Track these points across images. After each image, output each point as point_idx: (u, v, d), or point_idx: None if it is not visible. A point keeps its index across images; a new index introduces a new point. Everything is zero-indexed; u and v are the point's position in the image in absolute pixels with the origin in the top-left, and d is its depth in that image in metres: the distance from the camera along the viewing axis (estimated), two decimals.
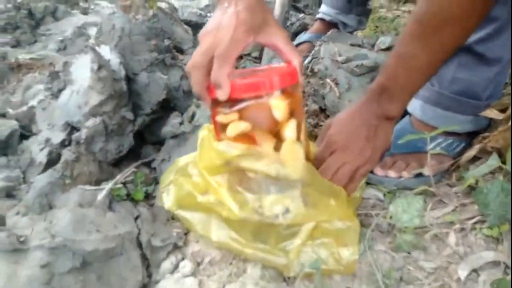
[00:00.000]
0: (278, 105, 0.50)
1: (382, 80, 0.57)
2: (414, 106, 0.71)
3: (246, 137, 0.50)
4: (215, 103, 0.51)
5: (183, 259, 0.63)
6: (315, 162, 0.60)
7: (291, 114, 0.51)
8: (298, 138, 0.53)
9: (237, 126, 0.50)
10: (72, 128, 0.77)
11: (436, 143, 0.68)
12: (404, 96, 0.58)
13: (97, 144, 0.71)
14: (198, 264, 0.62)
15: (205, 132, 0.61)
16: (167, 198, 0.61)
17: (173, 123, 0.78)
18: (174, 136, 0.78)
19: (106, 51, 0.75)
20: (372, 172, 0.71)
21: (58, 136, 0.75)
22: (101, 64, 0.68)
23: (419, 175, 0.67)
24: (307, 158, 0.57)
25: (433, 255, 0.58)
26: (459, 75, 0.66)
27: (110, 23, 0.76)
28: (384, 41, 0.94)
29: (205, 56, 0.50)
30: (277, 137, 0.52)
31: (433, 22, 0.50)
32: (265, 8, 0.53)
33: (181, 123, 0.79)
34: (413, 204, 0.57)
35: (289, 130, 0.52)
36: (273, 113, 0.50)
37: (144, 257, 0.61)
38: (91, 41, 1.32)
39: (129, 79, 0.78)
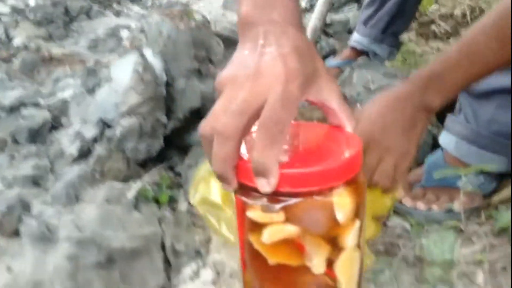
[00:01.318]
0: (343, 203, 0.34)
1: (437, 67, 0.53)
2: (448, 141, 0.71)
3: (289, 244, 0.35)
4: (243, 188, 0.35)
5: (204, 266, 0.62)
6: None
7: (356, 213, 0.36)
8: (358, 245, 0.38)
9: (281, 231, 0.34)
10: (104, 125, 0.78)
11: (468, 180, 0.67)
12: (455, 89, 0.54)
13: (130, 143, 0.72)
14: (219, 273, 0.61)
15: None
16: (194, 195, 0.61)
17: None
18: None
19: (149, 54, 0.76)
20: (400, 202, 0.70)
21: (90, 131, 0.76)
22: (146, 67, 0.69)
23: (449, 210, 0.66)
24: None
25: None
26: (497, 116, 0.66)
27: (157, 28, 0.78)
28: None
29: (240, 119, 0.32)
30: (332, 243, 0.36)
31: None
32: (313, 50, 0.38)
33: None
34: (446, 238, 0.56)
35: (352, 236, 0.36)
36: (334, 213, 0.35)
37: (166, 261, 0.60)
38: (126, 42, 1.35)
39: (167, 84, 0.79)
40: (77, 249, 0.52)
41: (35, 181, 0.70)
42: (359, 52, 1.18)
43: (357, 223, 0.37)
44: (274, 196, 0.33)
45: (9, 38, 1.54)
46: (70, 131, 0.81)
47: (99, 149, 0.69)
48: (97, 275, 0.51)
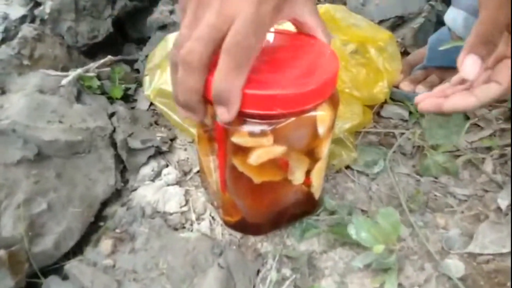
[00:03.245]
0: (324, 118, 0.34)
1: None
2: (455, 18, 0.58)
3: (274, 162, 0.34)
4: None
5: (167, 166, 0.52)
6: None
7: (332, 125, 0.36)
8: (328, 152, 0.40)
9: (269, 152, 0.33)
10: (36, 4, 0.62)
11: None
12: None
13: (65, 23, 0.57)
14: (185, 173, 0.52)
15: None
16: (149, 84, 0.50)
17: (161, 10, 0.64)
18: (163, 27, 0.64)
19: None
20: (397, 87, 0.60)
21: (17, 11, 0.60)
22: None
23: None
24: None
25: (465, 182, 0.49)
26: None
27: None
28: None
29: (206, 47, 0.28)
30: (311, 156, 0.36)
31: None
32: None
33: (171, 12, 0.64)
34: (452, 118, 0.47)
35: (327, 147, 0.37)
36: (316, 128, 0.34)
37: (118, 159, 0.50)
38: None
39: None
40: None
41: None
42: None
43: (331, 134, 0.37)
44: (264, 119, 0.31)
45: None
46: None
47: (26, 30, 0.54)
48: (24, 173, 0.41)
